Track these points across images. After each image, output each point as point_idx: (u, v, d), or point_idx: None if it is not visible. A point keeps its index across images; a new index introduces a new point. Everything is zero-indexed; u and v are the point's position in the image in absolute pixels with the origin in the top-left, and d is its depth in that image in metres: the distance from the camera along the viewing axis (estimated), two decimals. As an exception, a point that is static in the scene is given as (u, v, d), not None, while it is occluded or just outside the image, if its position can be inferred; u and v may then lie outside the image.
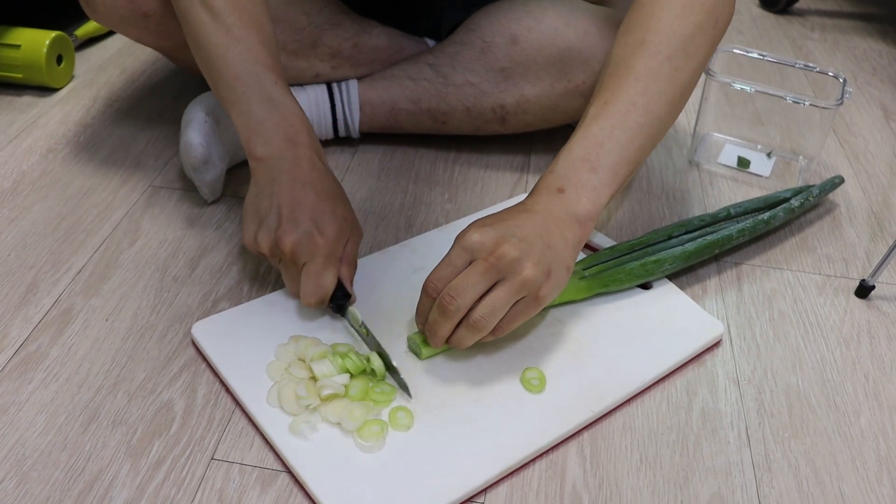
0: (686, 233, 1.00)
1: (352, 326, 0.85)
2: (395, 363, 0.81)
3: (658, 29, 0.84)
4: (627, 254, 0.95)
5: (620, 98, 0.82)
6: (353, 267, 0.88)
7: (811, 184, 1.14)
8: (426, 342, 0.81)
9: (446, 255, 0.77)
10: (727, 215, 1.04)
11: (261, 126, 0.87)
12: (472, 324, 0.75)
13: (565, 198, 0.79)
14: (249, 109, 0.87)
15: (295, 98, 0.90)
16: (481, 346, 0.83)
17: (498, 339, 0.84)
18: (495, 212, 0.80)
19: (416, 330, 0.83)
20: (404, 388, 0.79)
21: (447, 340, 0.78)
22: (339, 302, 0.85)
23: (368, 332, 0.84)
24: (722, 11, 0.87)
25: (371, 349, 0.83)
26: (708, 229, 1.01)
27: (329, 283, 0.84)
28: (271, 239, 0.83)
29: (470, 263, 0.75)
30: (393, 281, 0.93)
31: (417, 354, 0.83)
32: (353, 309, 0.85)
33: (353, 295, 0.87)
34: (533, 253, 0.74)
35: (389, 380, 0.81)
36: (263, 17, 0.92)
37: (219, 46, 0.89)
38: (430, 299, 0.77)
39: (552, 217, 0.78)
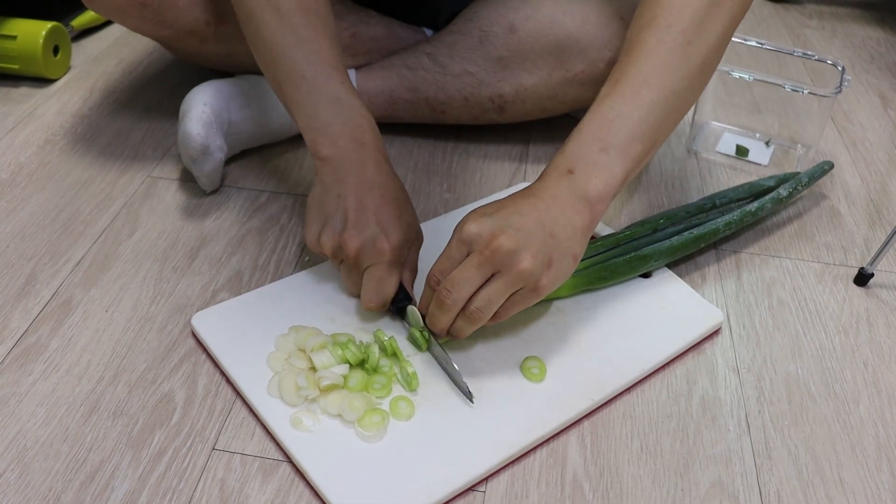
0: (671, 225, 0.99)
1: (411, 326, 0.84)
2: (456, 366, 0.80)
3: (669, 4, 0.80)
4: (613, 248, 0.94)
5: (631, 75, 0.79)
6: (415, 272, 0.88)
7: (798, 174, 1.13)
8: (422, 336, 0.82)
9: (446, 245, 0.77)
10: (712, 206, 1.03)
11: (327, 126, 0.86)
12: (468, 315, 0.75)
13: (575, 179, 0.77)
14: (315, 109, 0.87)
15: (360, 98, 0.90)
16: (481, 334, 0.84)
17: (498, 328, 0.84)
18: (500, 198, 0.79)
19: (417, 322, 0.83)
20: (467, 394, 0.78)
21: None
22: (400, 304, 0.85)
23: (430, 334, 0.82)
24: None
25: (432, 354, 0.83)
26: (693, 220, 1.00)
27: (391, 289, 0.84)
28: (336, 241, 0.83)
29: (468, 255, 0.74)
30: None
31: (419, 347, 0.83)
32: (414, 309, 0.83)
33: (413, 298, 0.86)
34: (531, 244, 0.73)
35: (446, 382, 0.80)
36: (328, 15, 0.91)
37: (286, 47, 0.88)
38: (433, 291, 0.77)
39: (558, 202, 0.76)
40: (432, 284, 0.77)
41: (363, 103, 0.89)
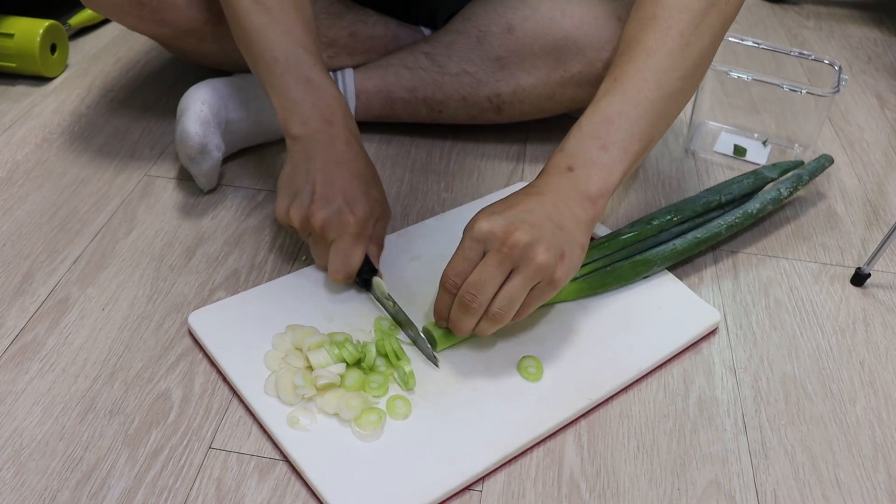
0: (678, 223, 0.98)
1: (377, 299, 0.87)
2: (422, 333, 0.83)
3: (669, 4, 0.82)
4: (619, 250, 0.94)
5: (631, 74, 0.81)
6: (381, 246, 0.91)
7: (802, 163, 1.12)
8: (440, 334, 0.82)
9: (459, 246, 0.76)
10: (718, 203, 1.03)
11: (298, 106, 0.89)
12: (492, 316, 0.75)
13: (575, 176, 0.78)
14: (287, 90, 0.89)
15: (332, 79, 0.92)
16: (498, 332, 0.83)
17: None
18: (503, 197, 0.79)
19: (428, 322, 0.83)
20: (431, 357, 0.81)
21: None
22: (365, 277, 0.88)
23: (395, 303, 0.85)
24: None
25: (397, 319, 0.85)
26: (698, 220, 1.00)
27: (357, 260, 0.87)
28: (303, 214, 0.86)
29: (483, 254, 0.74)
30: (391, 270, 0.92)
31: (433, 345, 0.83)
32: (379, 280, 0.88)
33: (379, 271, 0.89)
34: (544, 237, 0.73)
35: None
36: (304, 0, 0.94)
37: (259, 30, 0.90)
38: (450, 295, 0.77)
39: (561, 197, 0.77)
40: (449, 287, 0.76)
41: (334, 84, 0.92)
